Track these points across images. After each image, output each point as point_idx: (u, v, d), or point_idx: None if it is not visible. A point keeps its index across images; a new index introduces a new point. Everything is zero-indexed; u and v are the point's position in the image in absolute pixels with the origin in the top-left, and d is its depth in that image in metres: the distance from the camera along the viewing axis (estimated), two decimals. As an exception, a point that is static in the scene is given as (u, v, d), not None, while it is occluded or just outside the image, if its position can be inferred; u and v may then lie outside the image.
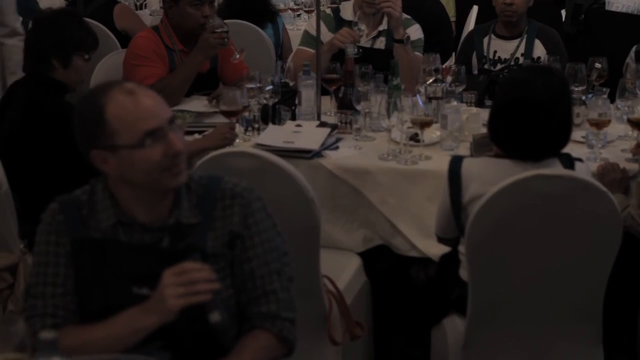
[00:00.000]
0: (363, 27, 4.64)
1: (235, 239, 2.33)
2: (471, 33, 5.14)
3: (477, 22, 6.16)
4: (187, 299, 2.15)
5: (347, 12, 4.75)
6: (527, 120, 2.85)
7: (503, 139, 2.93)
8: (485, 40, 4.84)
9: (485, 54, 4.80)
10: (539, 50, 4.76)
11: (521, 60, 4.69)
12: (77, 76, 3.67)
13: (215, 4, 5.46)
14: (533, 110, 2.85)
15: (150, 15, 6.79)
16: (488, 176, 2.88)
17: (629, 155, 3.57)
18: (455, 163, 2.97)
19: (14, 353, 2.11)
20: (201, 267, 2.18)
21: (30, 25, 3.86)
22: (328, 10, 4.80)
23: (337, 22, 4.75)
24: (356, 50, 4.33)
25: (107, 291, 2.28)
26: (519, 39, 4.80)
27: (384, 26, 4.69)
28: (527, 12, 4.87)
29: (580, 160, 2.99)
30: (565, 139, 2.92)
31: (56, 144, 3.45)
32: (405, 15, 4.73)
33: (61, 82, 3.61)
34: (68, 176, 3.43)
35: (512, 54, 4.74)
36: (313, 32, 4.61)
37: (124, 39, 5.52)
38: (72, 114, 3.56)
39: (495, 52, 4.76)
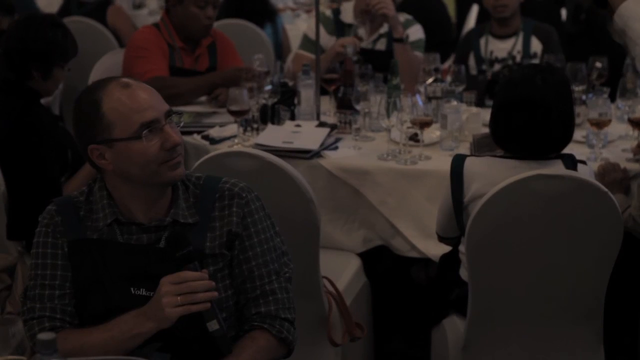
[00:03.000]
0: (362, 31, 4.66)
1: (233, 239, 2.32)
2: (467, 35, 5.14)
3: (478, 22, 6.16)
4: (186, 308, 2.14)
5: (348, 14, 4.75)
6: (529, 118, 2.84)
7: (505, 138, 2.92)
8: (482, 41, 4.84)
9: (483, 55, 4.80)
10: (535, 46, 4.76)
11: (518, 58, 4.68)
12: (54, 86, 3.62)
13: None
14: (534, 108, 2.84)
15: (150, 15, 6.78)
16: (490, 175, 2.88)
17: (630, 155, 3.56)
18: (458, 161, 2.96)
19: (12, 355, 2.10)
20: (200, 275, 2.17)
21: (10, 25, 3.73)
22: (328, 12, 4.79)
23: (337, 25, 4.75)
24: (355, 57, 4.33)
25: (106, 292, 2.26)
26: (514, 37, 4.80)
27: (385, 29, 4.70)
28: (527, 11, 4.86)
29: (583, 162, 2.97)
30: (567, 136, 2.91)
31: (34, 151, 3.42)
32: (406, 16, 4.74)
33: (36, 90, 3.55)
34: (45, 181, 3.42)
35: (509, 52, 4.73)
36: (312, 36, 4.63)
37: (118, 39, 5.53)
38: (47, 119, 3.54)
39: (492, 52, 4.76)
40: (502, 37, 4.80)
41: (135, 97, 2.21)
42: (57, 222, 2.30)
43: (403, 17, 4.74)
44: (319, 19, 4.29)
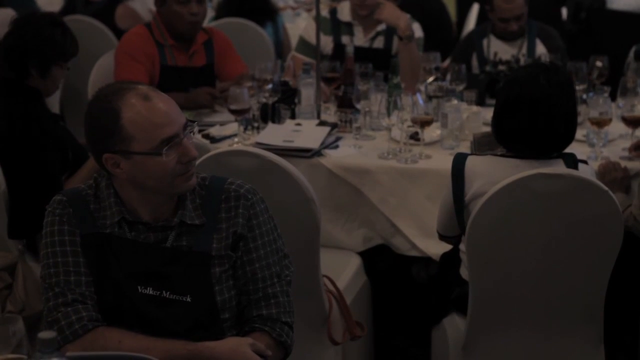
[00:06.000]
0: (358, 30, 4.66)
1: (238, 241, 2.32)
2: (469, 35, 5.13)
3: (478, 21, 6.16)
4: None
5: (345, 13, 4.76)
6: (532, 117, 2.84)
7: (508, 137, 2.92)
8: (485, 42, 4.83)
9: (486, 55, 4.79)
10: (540, 48, 4.75)
11: (522, 61, 4.67)
12: (54, 85, 3.60)
13: (214, 2, 5.44)
14: (538, 108, 2.83)
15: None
16: (491, 174, 2.87)
17: (632, 154, 3.55)
18: (459, 160, 2.96)
19: (13, 354, 2.10)
20: None
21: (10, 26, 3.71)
22: (324, 13, 4.79)
23: (334, 24, 4.76)
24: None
25: (114, 288, 2.26)
26: (520, 40, 4.79)
27: (382, 27, 4.70)
28: (528, 11, 4.84)
29: (584, 162, 2.97)
30: (570, 135, 2.91)
31: (35, 150, 3.41)
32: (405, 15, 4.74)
33: (36, 89, 3.54)
34: (46, 180, 3.41)
35: (514, 55, 4.71)
36: (308, 38, 4.67)
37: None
38: (47, 118, 3.53)
39: (495, 53, 4.75)
40: (507, 39, 4.79)
41: (156, 111, 2.20)
42: (69, 212, 2.28)
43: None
44: (319, 18, 4.30)
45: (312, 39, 4.47)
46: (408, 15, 4.68)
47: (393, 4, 4.68)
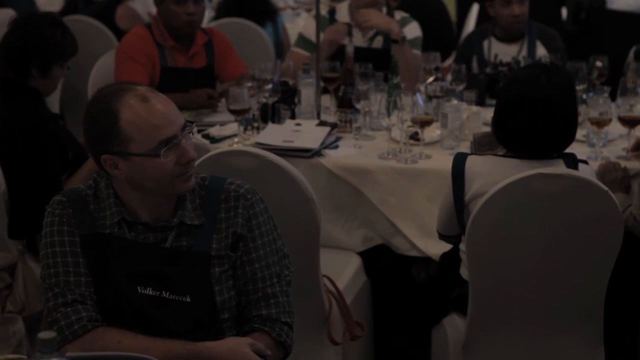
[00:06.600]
0: (356, 30, 4.67)
1: (237, 241, 2.32)
2: (470, 36, 5.12)
3: (478, 22, 6.16)
4: None
5: (343, 13, 4.76)
6: (533, 118, 2.84)
7: (508, 137, 2.92)
8: (485, 43, 4.83)
9: (486, 57, 4.78)
10: (540, 50, 4.75)
11: (522, 62, 4.67)
12: (53, 85, 3.60)
13: (214, 2, 5.43)
14: (537, 107, 2.83)
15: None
16: (491, 174, 2.87)
17: (630, 155, 3.55)
18: (459, 160, 2.96)
19: (13, 354, 2.10)
20: None
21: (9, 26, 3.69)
22: (323, 12, 4.80)
23: (333, 24, 4.75)
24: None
25: (114, 289, 2.26)
26: (520, 42, 4.78)
27: None
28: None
29: (585, 162, 2.97)
30: (570, 136, 2.91)
31: (35, 150, 3.41)
32: (402, 14, 4.75)
33: (36, 89, 3.54)
34: (46, 180, 3.41)
35: (514, 57, 4.71)
36: (307, 34, 4.67)
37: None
38: (47, 118, 3.54)
39: (496, 55, 4.74)
40: (507, 40, 4.79)
41: (154, 113, 2.20)
42: (69, 213, 2.28)
43: (399, 15, 4.74)
44: (318, 17, 4.30)
45: (311, 36, 4.48)
46: (397, 17, 4.68)
47: (376, 10, 4.67)
